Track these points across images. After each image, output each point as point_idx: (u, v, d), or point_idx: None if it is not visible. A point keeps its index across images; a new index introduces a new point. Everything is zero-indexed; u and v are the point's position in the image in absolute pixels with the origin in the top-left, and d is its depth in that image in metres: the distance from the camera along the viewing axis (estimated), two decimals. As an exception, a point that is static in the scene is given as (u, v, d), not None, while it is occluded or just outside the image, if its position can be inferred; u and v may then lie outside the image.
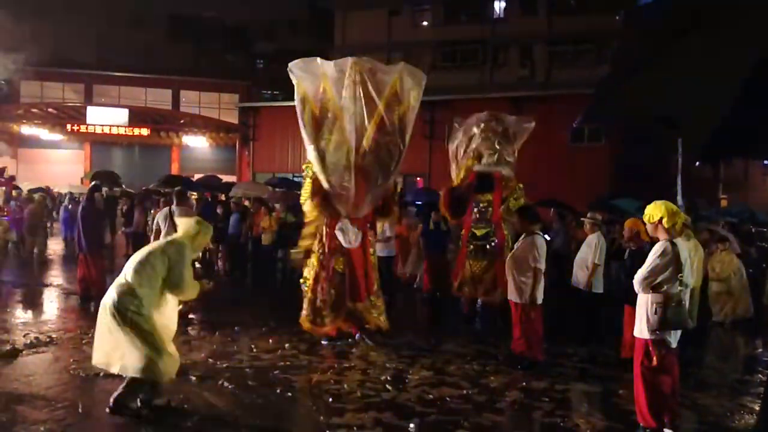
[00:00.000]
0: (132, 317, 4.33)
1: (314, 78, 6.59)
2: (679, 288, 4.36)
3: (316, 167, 6.56)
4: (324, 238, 6.67)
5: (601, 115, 2.46)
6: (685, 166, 3.17)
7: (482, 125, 8.59)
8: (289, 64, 6.60)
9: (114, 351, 4.40)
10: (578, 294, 7.59)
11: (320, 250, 6.70)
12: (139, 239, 14.06)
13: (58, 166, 30.40)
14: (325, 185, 6.53)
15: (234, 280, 11.99)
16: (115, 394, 4.52)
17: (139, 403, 4.56)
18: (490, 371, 6.15)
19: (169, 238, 4.91)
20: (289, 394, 5.23)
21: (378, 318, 7.00)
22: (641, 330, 4.50)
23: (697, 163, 3.43)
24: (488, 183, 8.38)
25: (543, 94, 22.41)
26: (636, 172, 20.64)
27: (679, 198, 4.33)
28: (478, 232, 8.36)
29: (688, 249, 4.82)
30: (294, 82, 6.65)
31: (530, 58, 26.10)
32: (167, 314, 4.61)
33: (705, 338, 8.37)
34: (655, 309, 4.34)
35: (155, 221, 8.36)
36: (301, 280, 7.05)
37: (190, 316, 7.86)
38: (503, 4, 27.18)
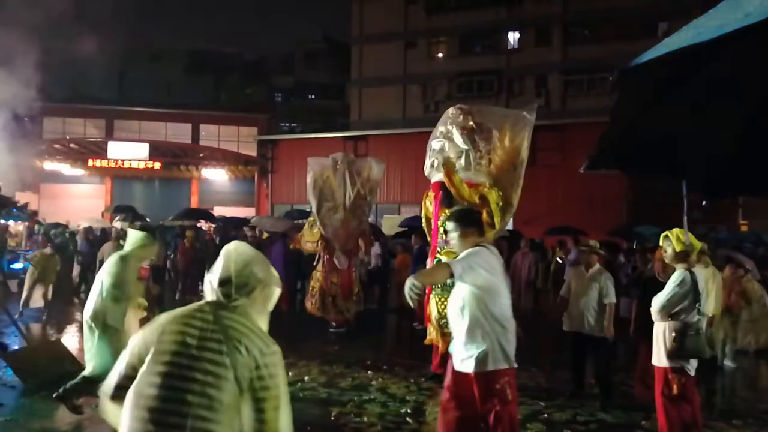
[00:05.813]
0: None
1: (322, 168, 9.91)
2: (697, 317, 4.33)
3: (319, 223, 9.72)
4: (325, 262, 9.83)
5: (606, 164, 2.51)
6: (690, 203, 3.21)
7: (449, 121, 7.00)
8: (309, 160, 10.07)
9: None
10: (593, 342, 6.18)
11: (323, 269, 9.82)
12: (158, 272, 14.22)
13: (80, 200, 30.91)
14: (325, 233, 9.74)
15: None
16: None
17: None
18: (510, 403, 6.07)
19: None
20: (309, 428, 5.21)
21: (352, 312, 9.83)
22: (659, 358, 4.48)
23: (704, 203, 3.43)
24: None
25: (558, 123, 22.50)
26: (655, 196, 20.47)
27: (686, 238, 4.35)
28: (444, 258, 6.23)
29: (705, 277, 4.79)
30: (309, 172, 9.90)
31: (545, 87, 26.28)
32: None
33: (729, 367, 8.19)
34: (674, 337, 4.32)
35: None
36: (309, 287, 10.16)
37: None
38: (518, 35, 27.53)
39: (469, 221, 3.89)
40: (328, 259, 9.84)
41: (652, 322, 4.60)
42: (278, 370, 2.11)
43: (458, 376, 3.72)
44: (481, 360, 3.59)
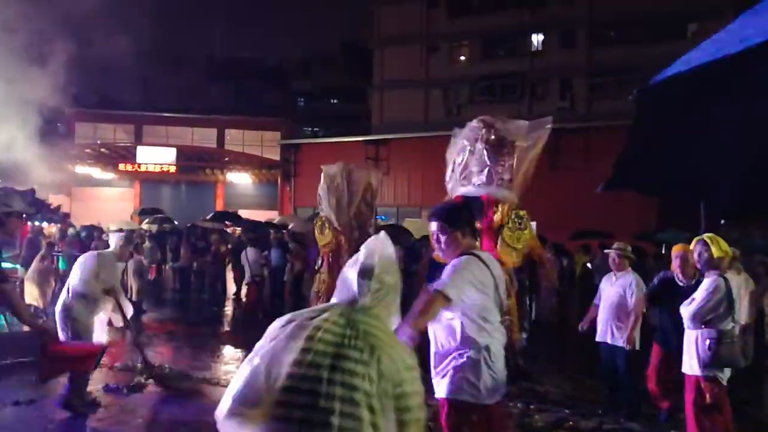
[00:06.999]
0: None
1: (333, 175, 9.55)
2: (732, 324, 4.22)
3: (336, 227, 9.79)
4: (332, 264, 9.61)
5: (623, 184, 2.44)
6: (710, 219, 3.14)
7: (471, 135, 6.81)
8: (324, 168, 9.49)
9: None
10: (618, 351, 5.71)
11: (329, 271, 9.62)
12: (185, 274, 14.42)
13: (110, 203, 31.59)
14: (338, 227, 9.73)
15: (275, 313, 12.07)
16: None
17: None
18: (534, 410, 5.99)
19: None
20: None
21: None
22: (692, 366, 4.35)
23: (722, 221, 3.35)
24: (476, 209, 6.48)
25: (584, 126, 22.20)
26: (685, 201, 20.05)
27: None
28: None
29: (737, 284, 4.67)
30: (323, 178, 9.70)
31: (570, 90, 26.00)
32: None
33: (763, 376, 7.96)
34: (708, 345, 4.20)
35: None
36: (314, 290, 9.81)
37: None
38: (541, 38, 27.30)
39: (457, 220, 3.13)
40: (335, 262, 9.91)
41: (671, 328, 4.48)
42: (419, 388, 1.90)
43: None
44: (444, 387, 3.07)
